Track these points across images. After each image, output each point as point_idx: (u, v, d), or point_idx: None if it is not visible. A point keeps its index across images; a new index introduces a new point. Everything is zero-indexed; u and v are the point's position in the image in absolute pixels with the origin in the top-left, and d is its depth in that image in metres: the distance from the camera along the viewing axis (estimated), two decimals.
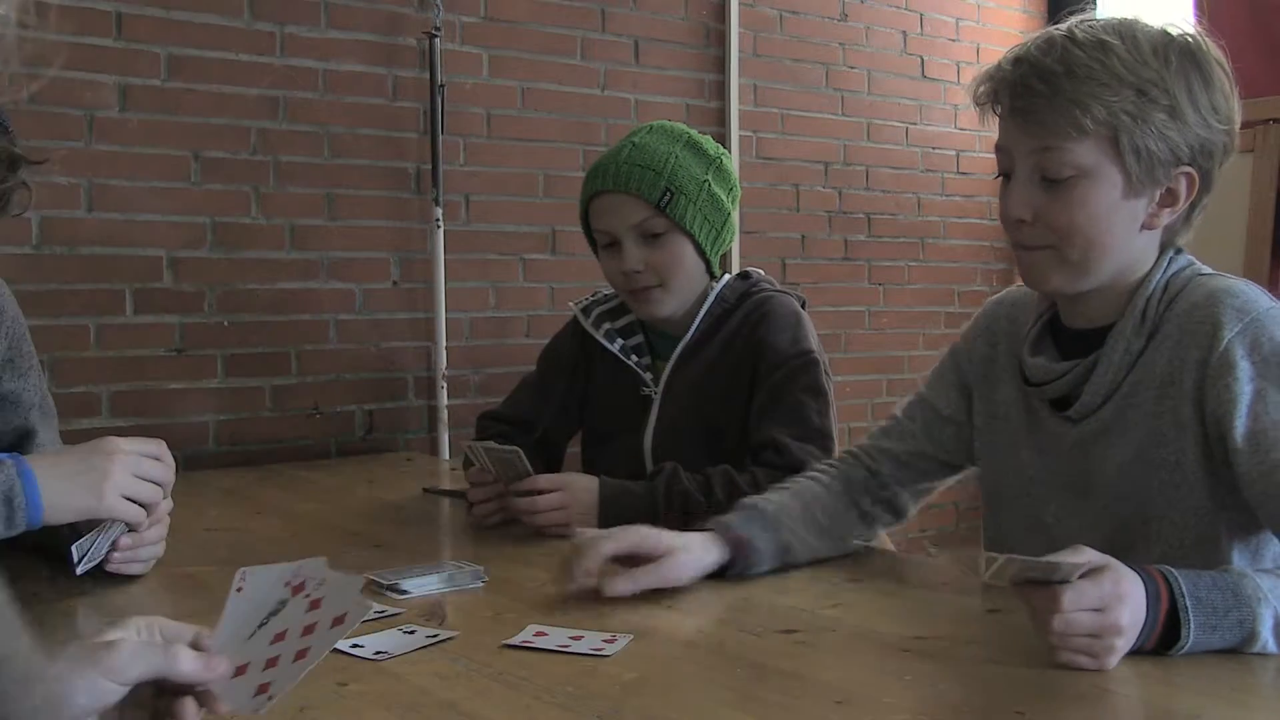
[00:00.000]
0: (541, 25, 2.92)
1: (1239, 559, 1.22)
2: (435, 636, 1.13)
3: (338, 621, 0.80)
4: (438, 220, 2.72)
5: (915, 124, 3.67)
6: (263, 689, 0.79)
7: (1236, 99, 1.25)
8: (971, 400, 1.46)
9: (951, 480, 1.55)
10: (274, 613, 0.81)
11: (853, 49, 3.53)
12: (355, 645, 1.10)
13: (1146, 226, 1.25)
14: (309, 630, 0.80)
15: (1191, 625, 1.02)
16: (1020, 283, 1.40)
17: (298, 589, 0.81)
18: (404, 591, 1.30)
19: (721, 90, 3.24)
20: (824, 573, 1.42)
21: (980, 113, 1.30)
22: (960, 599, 1.30)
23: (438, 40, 2.70)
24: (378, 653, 1.08)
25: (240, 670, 0.79)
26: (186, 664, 0.76)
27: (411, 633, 1.15)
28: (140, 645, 0.76)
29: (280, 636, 0.80)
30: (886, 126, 3.61)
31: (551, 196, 2.93)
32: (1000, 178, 1.30)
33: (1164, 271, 1.26)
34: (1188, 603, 1.02)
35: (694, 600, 1.27)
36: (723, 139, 3.18)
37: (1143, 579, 1.02)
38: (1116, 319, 1.27)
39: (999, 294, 1.51)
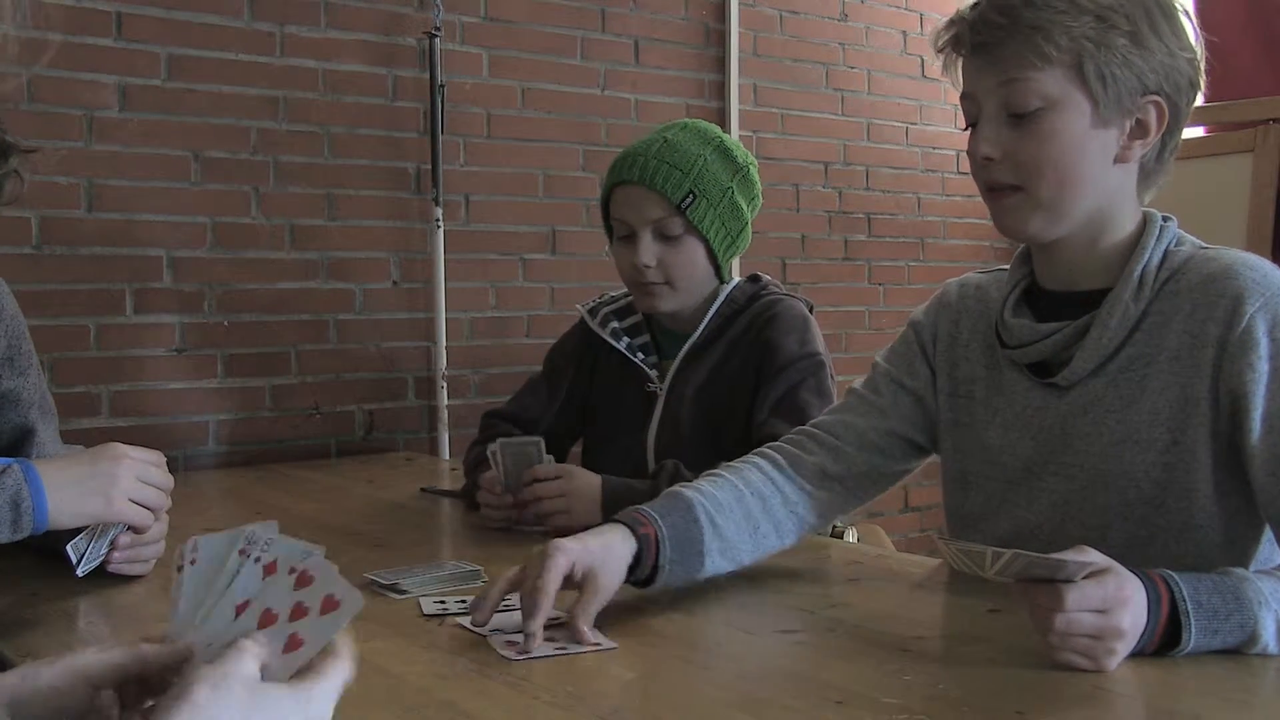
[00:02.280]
0: (541, 25, 2.92)
1: (1225, 550, 1.20)
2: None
3: (330, 606, 0.71)
4: (438, 220, 2.72)
5: (915, 124, 3.67)
6: None
7: (1194, 36, 1.23)
8: (935, 377, 1.42)
9: (914, 467, 1.46)
10: (229, 583, 0.73)
11: (853, 49, 3.53)
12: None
13: (1119, 160, 1.22)
14: (300, 613, 0.72)
15: (1193, 629, 1.01)
16: (978, 270, 1.40)
17: (244, 552, 0.73)
18: (404, 591, 1.30)
19: (721, 90, 3.24)
20: (824, 572, 1.42)
21: (944, 66, 1.27)
22: (960, 599, 1.29)
23: (438, 40, 2.70)
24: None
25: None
26: (152, 654, 0.72)
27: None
28: (109, 646, 0.72)
29: (241, 609, 0.73)
30: (886, 126, 3.61)
31: (551, 196, 2.93)
32: (968, 129, 1.27)
33: (1157, 239, 1.24)
34: (1189, 606, 1.02)
35: (694, 600, 1.27)
36: None
37: (1144, 583, 1.02)
38: (1102, 284, 1.24)
39: (960, 276, 1.47)
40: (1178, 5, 1.23)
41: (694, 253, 1.81)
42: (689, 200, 1.77)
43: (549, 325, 2.80)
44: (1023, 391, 1.31)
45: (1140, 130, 1.22)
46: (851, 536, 2.10)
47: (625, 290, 1.99)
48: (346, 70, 2.64)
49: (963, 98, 1.27)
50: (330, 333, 2.64)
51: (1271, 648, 1.03)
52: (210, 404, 2.49)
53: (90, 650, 0.72)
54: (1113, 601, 0.99)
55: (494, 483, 1.70)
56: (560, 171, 2.94)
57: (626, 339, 1.92)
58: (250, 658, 0.67)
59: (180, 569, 0.75)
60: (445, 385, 2.76)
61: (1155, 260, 1.23)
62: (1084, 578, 0.99)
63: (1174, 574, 1.04)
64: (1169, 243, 1.25)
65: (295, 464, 2.49)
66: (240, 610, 0.72)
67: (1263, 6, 3.29)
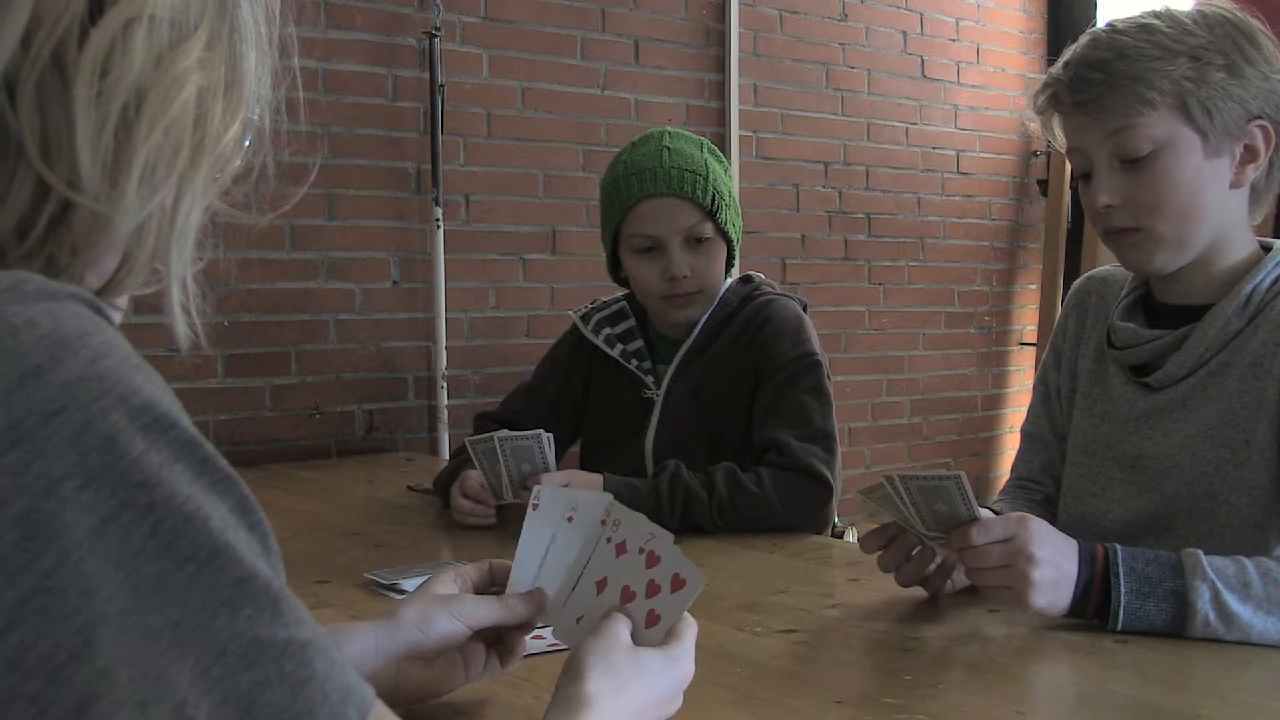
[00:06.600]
0: (541, 25, 2.92)
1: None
2: None
3: (678, 584, 0.83)
4: (438, 220, 2.72)
5: (915, 124, 3.67)
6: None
7: None
8: (1060, 377, 1.47)
9: None
10: (589, 559, 0.88)
11: (853, 49, 3.53)
12: None
13: (1234, 185, 1.25)
14: (654, 590, 0.83)
15: (1123, 589, 1.07)
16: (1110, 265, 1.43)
17: (603, 522, 0.88)
18: (404, 591, 1.30)
19: (721, 90, 3.24)
20: (824, 573, 1.42)
21: (1044, 124, 1.31)
22: (960, 599, 1.29)
23: (438, 40, 2.70)
24: None
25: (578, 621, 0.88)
26: (520, 608, 0.92)
27: None
28: (481, 598, 0.92)
29: (601, 585, 0.86)
30: (886, 126, 3.61)
31: (551, 196, 2.93)
32: (1080, 180, 1.31)
33: (1277, 264, 1.27)
34: (1120, 570, 1.08)
35: (694, 600, 1.27)
36: (723, 139, 3.18)
37: (1079, 545, 1.09)
38: (1214, 299, 1.27)
39: (1090, 270, 1.51)
40: (1259, 29, 1.25)
41: (720, 255, 1.82)
42: (716, 203, 1.78)
43: (549, 325, 2.80)
44: (1119, 387, 1.35)
45: (1250, 155, 1.25)
46: (851, 537, 2.11)
47: (617, 296, 1.98)
48: (346, 70, 2.63)
49: (1069, 152, 1.31)
50: (330, 333, 2.64)
51: (1213, 619, 1.06)
52: (210, 404, 2.49)
53: (470, 599, 0.91)
54: (1014, 528, 1.07)
55: (476, 487, 1.69)
56: (560, 171, 2.94)
57: (620, 345, 1.92)
58: (623, 627, 0.83)
59: (535, 507, 0.92)
60: (445, 385, 2.76)
61: (1267, 283, 1.26)
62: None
63: (1117, 545, 1.10)
64: None
65: (295, 464, 2.49)
66: (601, 586, 0.87)
67: (1263, 7, 3.29)
